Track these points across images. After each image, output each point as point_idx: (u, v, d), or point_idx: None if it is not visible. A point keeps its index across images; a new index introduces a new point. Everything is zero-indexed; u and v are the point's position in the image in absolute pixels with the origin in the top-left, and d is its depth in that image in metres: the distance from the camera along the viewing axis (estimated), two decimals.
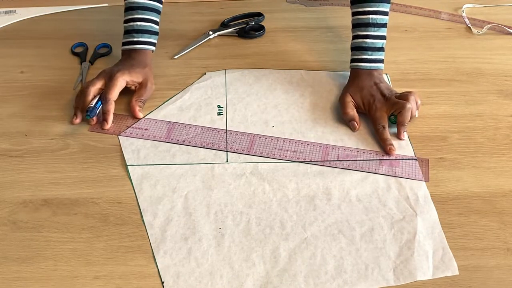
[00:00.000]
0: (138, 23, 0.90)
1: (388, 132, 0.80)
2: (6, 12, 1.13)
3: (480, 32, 1.05)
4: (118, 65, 0.88)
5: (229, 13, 1.12)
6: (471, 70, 0.96)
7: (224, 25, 1.08)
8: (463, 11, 1.11)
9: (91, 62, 0.98)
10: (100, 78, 0.85)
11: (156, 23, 0.93)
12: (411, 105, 0.80)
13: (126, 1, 0.92)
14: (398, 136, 0.81)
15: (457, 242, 0.68)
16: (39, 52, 1.02)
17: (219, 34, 1.06)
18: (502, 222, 0.70)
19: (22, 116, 0.87)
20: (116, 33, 1.06)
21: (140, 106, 0.86)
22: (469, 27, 1.07)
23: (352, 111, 0.84)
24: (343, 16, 1.10)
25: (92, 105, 0.83)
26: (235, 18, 1.10)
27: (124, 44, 0.91)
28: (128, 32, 0.91)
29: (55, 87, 0.93)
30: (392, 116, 0.82)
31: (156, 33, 0.93)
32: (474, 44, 1.03)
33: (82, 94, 0.84)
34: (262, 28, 1.07)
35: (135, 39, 0.90)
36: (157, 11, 0.93)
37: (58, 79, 0.95)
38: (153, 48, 0.92)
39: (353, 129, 0.82)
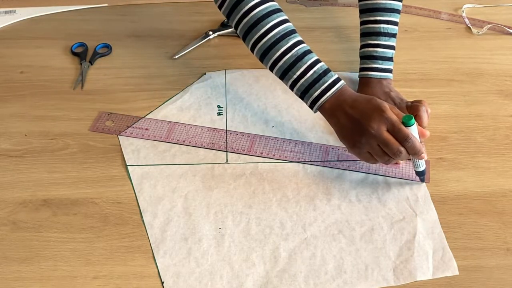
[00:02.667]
0: (318, 65, 0.74)
1: None
2: (6, 12, 1.13)
3: (480, 32, 1.05)
4: (365, 119, 0.69)
5: None
6: (471, 70, 0.96)
7: (224, 25, 1.08)
8: (463, 11, 1.11)
9: (91, 62, 0.98)
10: (382, 132, 0.68)
11: None
12: (425, 112, 0.79)
13: (283, 59, 0.75)
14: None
15: (457, 242, 0.68)
16: (39, 52, 1.02)
17: (219, 34, 1.06)
18: (502, 222, 0.70)
19: (22, 116, 0.87)
20: (116, 33, 1.06)
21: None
22: (469, 27, 1.07)
23: None
24: (343, 16, 1.10)
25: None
26: None
27: (320, 96, 0.73)
28: (315, 81, 0.73)
29: (55, 87, 0.93)
30: None
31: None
32: (474, 44, 1.03)
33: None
34: None
35: (330, 81, 0.73)
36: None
37: (58, 79, 0.95)
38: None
39: None
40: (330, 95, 0.73)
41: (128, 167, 0.78)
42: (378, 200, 0.73)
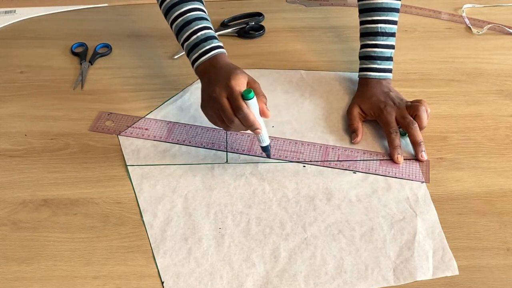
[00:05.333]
0: (202, 32, 0.79)
1: (400, 139, 0.79)
2: (6, 12, 1.13)
3: (480, 32, 1.05)
4: (215, 83, 0.73)
5: (229, 13, 1.12)
6: (471, 70, 0.96)
7: (224, 25, 1.08)
8: (463, 11, 1.11)
9: (91, 62, 0.98)
10: (222, 98, 0.71)
11: (215, 32, 0.82)
12: (424, 112, 0.79)
13: (175, 23, 0.81)
14: (416, 156, 0.78)
15: (457, 242, 0.68)
16: (39, 52, 1.02)
17: (219, 34, 1.06)
18: (502, 222, 0.70)
19: (22, 116, 0.87)
20: (116, 33, 1.06)
21: (265, 103, 0.73)
22: (469, 27, 1.07)
23: (357, 124, 0.82)
24: (343, 16, 1.10)
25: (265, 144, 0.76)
26: (235, 18, 1.10)
27: (196, 59, 0.78)
28: (195, 45, 0.78)
29: (55, 87, 0.93)
30: (401, 129, 0.81)
31: (219, 41, 0.81)
32: (474, 44, 1.03)
33: (237, 125, 0.72)
34: (262, 28, 1.07)
35: (208, 47, 0.78)
36: (210, 21, 0.82)
37: (58, 79, 0.95)
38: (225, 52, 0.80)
39: (353, 140, 0.81)
40: (204, 59, 0.78)
41: (128, 167, 0.78)
42: (378, 200, 0.73)
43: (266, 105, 0.73)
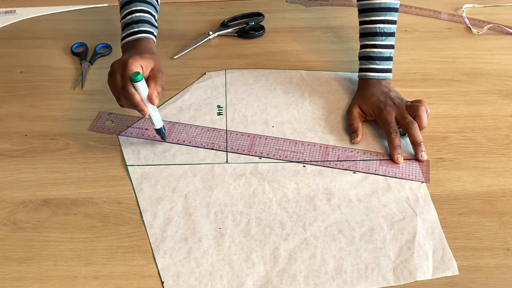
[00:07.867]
0: (136, 14, 0.84)
1: (400, 139, 0.79)
2: (6, 12, 1.13)
3: (480, 32, 1.05)
4: (118, 60, 0.77)
5: (229, 13, 1.12)
6: (471, 70, 0.96)
7: (224, 25, 1.08)
8: (463, 11, 1.11)
9: (91, 62, 0.98)
10: (117, 74, 0.74)
11: (154, 17, 0.87)
12: (424, 112, 0.79)
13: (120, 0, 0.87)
14: (416, 156, 0.78)
15: (457, 242, 0.68)
16: (39, 52, 1.02)
17: (219, 34, 1.06)
18: (502, 222, 0.70)
19: (22, 116, 0.87)
20: (116, 33, 1.05)
21: (158, 92, 0.75)
22: (469, 27, 1.07)
23: (357, 124, 0.82)
24: (343, 16, 1.10)
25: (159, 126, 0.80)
26: (235, 18, 1.10)
27: (124, 38, 0.84)
28: (127, 25, 0.84)
29: (55, 87, 0.93)
30: (401, 129, 0.81)
31: (155, 27, 0.87)
32: (474, 44, 1.03)
33: (123, 98, 0.75)
34: (262, 28, 1.07)
35: (136, 29, 0.83)
36: (154, 6, 0.88)
37: (58, 79, 0.95)
38: (154, 38, 0.86)
39: (353, 140, 0.81)
40: (129, 40, 0.83)
41: (128, 167, 0.78)
42: (378, 200, 0.73)
43: (159, 94, 0.75)
